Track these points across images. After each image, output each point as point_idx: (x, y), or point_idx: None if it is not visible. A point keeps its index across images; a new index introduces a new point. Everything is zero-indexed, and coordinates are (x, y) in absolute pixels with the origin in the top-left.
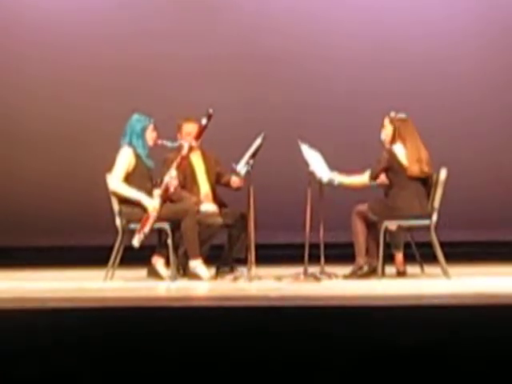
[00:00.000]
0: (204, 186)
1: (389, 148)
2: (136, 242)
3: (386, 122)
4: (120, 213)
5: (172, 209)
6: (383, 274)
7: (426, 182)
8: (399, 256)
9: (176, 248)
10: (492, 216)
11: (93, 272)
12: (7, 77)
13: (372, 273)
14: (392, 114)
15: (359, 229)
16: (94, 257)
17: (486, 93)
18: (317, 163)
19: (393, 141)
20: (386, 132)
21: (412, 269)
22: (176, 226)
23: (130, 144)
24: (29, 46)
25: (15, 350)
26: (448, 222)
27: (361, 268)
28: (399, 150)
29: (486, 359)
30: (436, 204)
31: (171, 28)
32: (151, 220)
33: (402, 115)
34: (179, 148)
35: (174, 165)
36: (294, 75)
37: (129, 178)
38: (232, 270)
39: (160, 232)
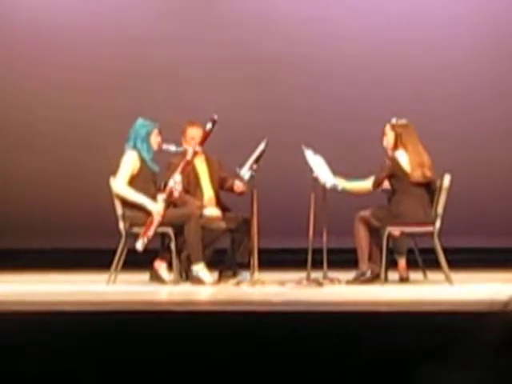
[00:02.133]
0: (207, 191)
1: (391, 155)
2: (139, 245)
3: (387, 129)
4: (123, 216)
5: (175, 213)
6: (386, 280)
7: (429, 188)
8: (402, 262)
9: (179, 252)
10: (496, 222)
11: (95, 275)
12: (12, 79)
13: (375, 279)
14: (393, 121)
15: (362, 235)
16: (96, 260)
17: (489, 98)
18: (321, 168)
19: (395, 147)
20: (388, 139)
21: (415, 275)
22: (179, 230)
23: (135, 148)
24: (32, 48)
25: (17, 353)
26: (451, 228)
27: (363, 274)
28: (402, 156)
29: (487, 365)
30: (439, 210)
31: (175, 31)
32: (155, 224)
33: (402, 121)
34: (183, 153)
35: (179, 169)
36: (298, 79)
37: (133, 182)
38: (235, 275)
39: (163, 236)
